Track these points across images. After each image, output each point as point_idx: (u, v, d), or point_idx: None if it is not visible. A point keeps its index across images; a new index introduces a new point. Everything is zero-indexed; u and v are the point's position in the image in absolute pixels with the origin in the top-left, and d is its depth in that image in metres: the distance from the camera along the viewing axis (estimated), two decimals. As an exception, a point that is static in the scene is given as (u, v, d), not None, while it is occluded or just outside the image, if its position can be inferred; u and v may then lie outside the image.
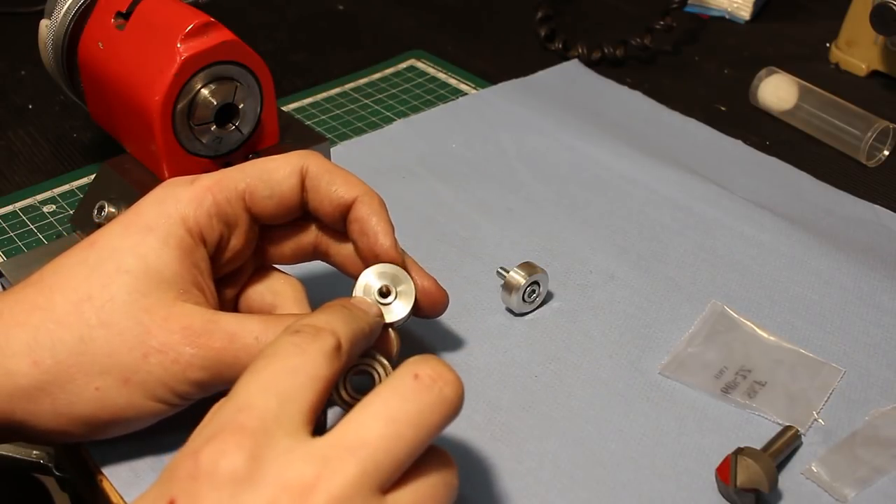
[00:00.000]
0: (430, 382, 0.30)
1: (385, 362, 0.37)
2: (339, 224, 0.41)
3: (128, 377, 0.36)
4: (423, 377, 0.31)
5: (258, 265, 0.43)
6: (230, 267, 0.41)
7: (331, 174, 0.40)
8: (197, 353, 0.36)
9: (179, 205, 0.38)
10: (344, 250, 0.42)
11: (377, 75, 0.73)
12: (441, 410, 0.31)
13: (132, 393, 0.36)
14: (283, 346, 0.32)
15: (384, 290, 0.40)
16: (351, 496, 0.28)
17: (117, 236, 0.37)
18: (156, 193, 0.39)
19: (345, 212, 0.40)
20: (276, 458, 0.29)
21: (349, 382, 0.35)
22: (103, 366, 0.35)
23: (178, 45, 0.46)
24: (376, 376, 0.36)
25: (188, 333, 0.36)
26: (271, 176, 0.39)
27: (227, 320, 0.37)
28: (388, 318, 0.39)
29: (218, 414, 0.30)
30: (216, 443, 0.29)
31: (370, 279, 0.40)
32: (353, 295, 0.39)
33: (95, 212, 0.49)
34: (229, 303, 0.42)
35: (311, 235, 0.43)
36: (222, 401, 0.31)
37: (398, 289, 0.40)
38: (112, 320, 0.36)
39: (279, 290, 0.42)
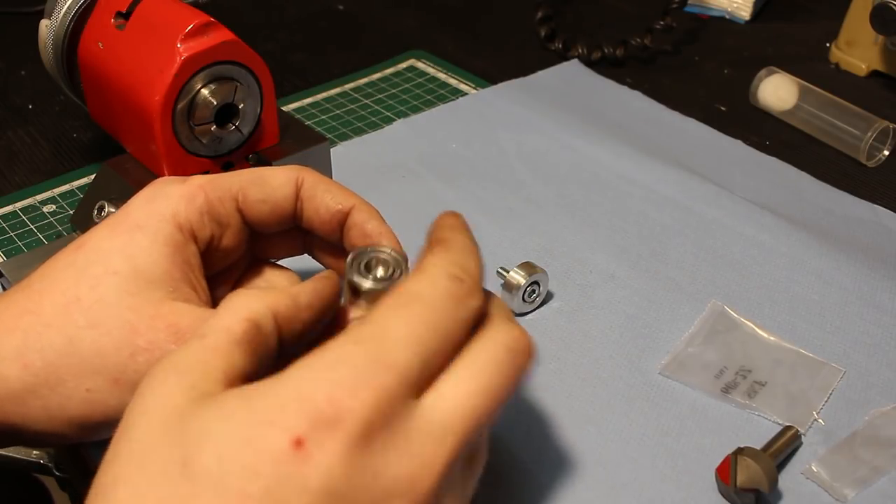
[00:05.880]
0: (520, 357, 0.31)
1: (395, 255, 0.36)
2: (334, 234, 0.40)
3: (117, 377, 0.35)
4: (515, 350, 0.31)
5: (252, 259, 0.43)
6: (222, 265, 0.41)
7: (327, 184, 0.40)
8: None
9: (170, 201, 0.37)
10: (334, 262, 0.42)
11: (377, 75, 0.73)
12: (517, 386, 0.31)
13: (123, 393, 0.36)
14: (442, 295, 0.30)
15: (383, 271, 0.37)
16: (454, 470, 0.29)
17: (105, 238, 0.37)
18: (145, 192, 0.38)
19: (342, 220, 0.40)
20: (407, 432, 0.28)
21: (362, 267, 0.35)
22: (93, 366, 0.35)
23: (178, 45, 0.46)
24: (393, 263, 0.36)
25: (174, 331, 0.35)
26: (266, 181, 0.39)
27: None
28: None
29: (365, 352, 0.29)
30: (363, 393, 0.27)
31: (371, 259, 0.37)
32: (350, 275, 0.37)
33: (95, 212, 0.49)
34: (223, 298, 0.42)
35: (301, 245, 0.43)
36: (365, 328, 0.29)
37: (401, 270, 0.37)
38: (100, 320, 0.35)
39: (275, 282, 0.42)
